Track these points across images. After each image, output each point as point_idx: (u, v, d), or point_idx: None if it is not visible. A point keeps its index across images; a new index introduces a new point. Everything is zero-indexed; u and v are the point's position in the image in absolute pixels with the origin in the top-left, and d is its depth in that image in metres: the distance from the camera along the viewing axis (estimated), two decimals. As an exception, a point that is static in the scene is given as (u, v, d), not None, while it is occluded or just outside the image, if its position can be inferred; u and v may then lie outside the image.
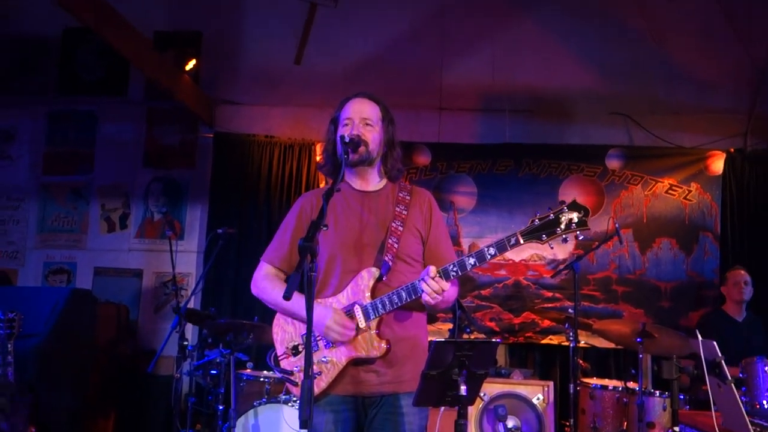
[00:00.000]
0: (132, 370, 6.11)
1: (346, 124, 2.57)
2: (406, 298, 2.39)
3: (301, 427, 1.95)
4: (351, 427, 2.48)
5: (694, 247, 5.84)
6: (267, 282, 2.65)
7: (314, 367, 2.46)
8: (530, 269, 5.87)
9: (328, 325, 2.41)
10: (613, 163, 6.01)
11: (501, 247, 2.35)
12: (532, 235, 2.34)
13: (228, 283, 6.08)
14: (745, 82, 6.10)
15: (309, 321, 1.98)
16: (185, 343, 4.28)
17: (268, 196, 6.25)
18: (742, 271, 5.04)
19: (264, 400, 4.30)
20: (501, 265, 5.85)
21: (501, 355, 5.81)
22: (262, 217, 6.23)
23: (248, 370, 4.77)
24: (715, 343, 2.47)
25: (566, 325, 4.86)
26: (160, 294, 6.39)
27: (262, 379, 4.62)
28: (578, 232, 2.32)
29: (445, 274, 2.33)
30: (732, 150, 6.00)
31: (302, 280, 2.02)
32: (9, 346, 3.84)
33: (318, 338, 2.48)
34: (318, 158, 6.12)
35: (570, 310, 5.01)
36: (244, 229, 6.04)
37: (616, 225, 4.54)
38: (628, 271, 5.85)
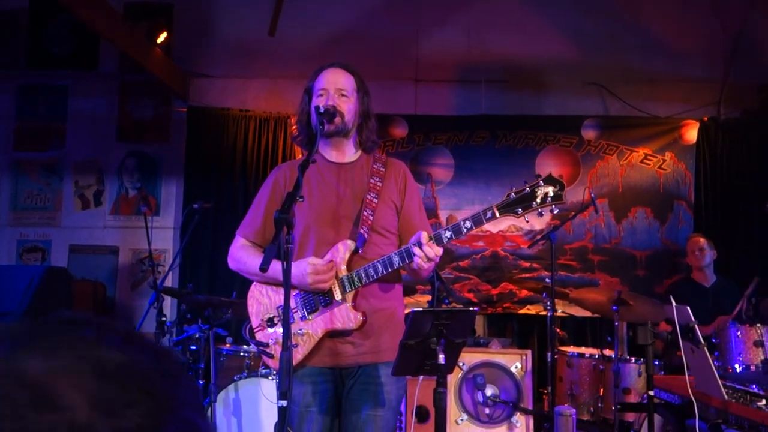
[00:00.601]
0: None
1: (321, 95, 2.54)
2: (383, 271, 2.39)
3: (280, 398, 1.95)
4: (329, 397, 2.49)
5: (668, 215, 5.91)
6: (243, 252, 2.64)
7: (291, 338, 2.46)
8: (508, 240, 5.90)
9: (311, 281, 2.39)
10: (588, 134, 6.03)
11: (477, 220, 2.36)
12: (508, 208, 2.34)
13: (205, 258, 6.05)
14: (718, 52, 6.13)
15: (287, 293, 1.98)
16: (164, 319, 4.25)
17: (244, 170, 6.20)
18: (698, 238, 5.12)
19: (244, 374, 4.30)
20: (479, 237, 5.87)
21: (479, 326, 5.86)
22: (238, 191, 6.19)
23: (228, 345, 4.77)
24: (688, 308, 2.51)
25: (543, 294, 4.91)
26: (137, 271, 6.34)
27: (241, 354, 4.62)
28: (553, 206, 2.33)
29: (438, 240, 2.33)
30: (705, 119, 6.05)
31: (279, 251, 2.01)
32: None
33: (294, 310, 2.47)
34: (293, 129, 6.08)
35: (547, 280, 5.05)
36: (220, 204, 5.99)
37: (592, 195, 4.57)
38: (604, 240, 5.91)
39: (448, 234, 2.36)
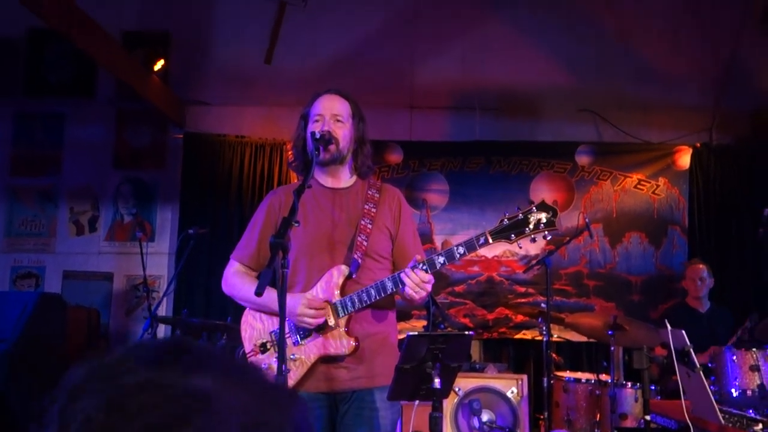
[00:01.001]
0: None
1: (317, 121, 2.56)
2: (375, 296, 2.40)
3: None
4: (323, 422, 2.48)
5: (662, 240, 5.94)
6: (237, 278, 2.65)
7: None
8: (503, 265, 5.91)
9: (300, 312, 2.40)
10: (582, 159, 6.08)
11: (470, 246, 2.38)
12: (501, 234, 2.36)
13: (200, 284, 6.04)
14: (710, 78, 6.21)
15: (282, 318, 1.98)
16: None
17: (240, 196, 6.22)
18: (700, 266, 5.10)
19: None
20: (474, 262, 5.88)
21: (475, 351, 5.84)
22: (234, 217, 6.19)
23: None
24: (683, 332, 2.52)
25: (539, 319, 4.91)
26: (132, 297, 6.32)
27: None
28: (546, 232, 2.35)
29: (431, 265, 2.34)
30: (698, 145, 6.11)
31: (274, 276, 2.02)
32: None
33: (287, 336, 2.47)
34: (288, 154, 6.10)
35: (543, 305, 5.06)
36: (215, 230, 5.99)
37: (587, 220, 4.60)
38: (598, 265, 5.92)
39: (441, 259, 2.37)
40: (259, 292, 1.95)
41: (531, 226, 2.35)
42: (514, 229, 2.35)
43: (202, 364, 0.66)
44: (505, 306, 5.83)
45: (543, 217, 2.35)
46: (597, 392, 4.55)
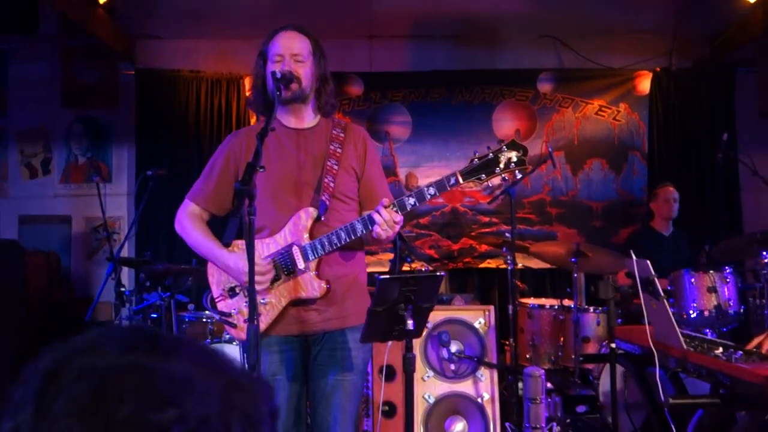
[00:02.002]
0: (67, 317, 5.97)
1: (277, 61, 2.46)
2: (346, 239, 2.37)
3: (249, 371, 1.93)
4: (296, 365, 2.50)
5: (623, 166, 6.00)
6: (188, 221, 2.61)
7: (253, 308, 2.44)
8: (467, 196, 5.93)
9: (246, 275, 2.37)
10: (544, 87, 6.04)
11: (440, 186, 2.35)
12: (472, 174, 2.34)
13: (162, 224, 5.92)
14: (670, 2, 6.16)
15: (251, 265, 1.95)
16: (122, 289, 4.18)
17: (198, 133, 6.06)
18: (671, 188, 5.18)
19: (208, 341, 4.28)
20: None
21: (441, 282, 5.91)
22: (193, 154, 6.05)
23: (189, 312, 4.73)
24: (648, 262, 2.56)
25: (504, 249, 4.97)
26: (92, 240, 6.20)
27: (204, 320, 4.59)
28: (517, 171, 2.33)
29: (401, 207, 2.31)
30: (658, 69, 6.11)
31: (240, 223, 1.98)
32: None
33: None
34: (247, 93, 5.96)
35: (507, 235, 5.11)
36: (174, 169, 5.83)
37: (550, 149, 4.60)
38: (561, 192, 5.98)
39: (411, 201, 2.34)
40: (227, 243, 1.91)
41: (501, 166, 2.33)
42: (485, 169, 2.33)
43: (177, 350, 0.67)
44: (469, 236, 5.88)
45: (513, 155, 2.33)
46: (561, 317, 4.66)
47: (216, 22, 6.08)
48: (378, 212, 2.29)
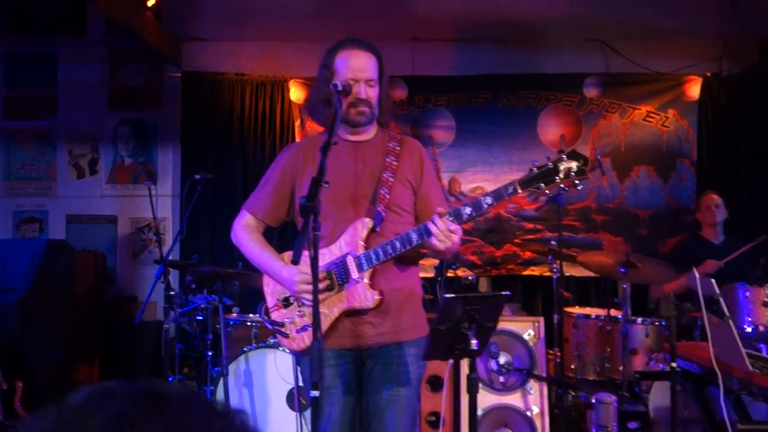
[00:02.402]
0: (112, 316, 6.07)
1: (350, 84, 2.45)
2: (400, 248, 2.34)
3: (312, 389, 1.93)
4: (350, 378, 2.48)
5: (671, 173, 5.88)
6: (245, 233, 2.61)
7: (305, 318, 2.44)
8: (511, 202, 5.86)
9: (298, 289, 2.37)
10: (590, 92, 5.95)
11: (498, 196, 2.30)
12: (531, 184, 2.28)
13: (205, 226, 5.99)
14: (720, 5, 6.03)
15: (315, 281, 1.94)
16: (171, 293, 4.22)
17: (242, 136, 6.09)
18: (713, 195, 5.07)
19: (254, 345, 4.29)
20: (481, 199, 5.83)
21: (483, 287, 5.87)
22: (236, 157, 6.09)
23: (234, 315, 4.75)
24: (713, 280, 2.49)
25: (549, 257, 4.91)
26: (137, 240, 6.28)
27: (249, 324, 4.61)
28: (577, 181, 2.28)
29: (457, 216, 2.28)
30: (708, 74, 5.97)
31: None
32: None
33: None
34: (291, 97, 5.98)
35: (553, 242, 5.05)
36: (218, 171, 5.89)
37: (597, 155, 4.53)
38: (607, 200, 5.88)
39: (467, 210, 2.30)
40: (295, 260, 1.89)
41: (561, 175, 2.27)
42: (544, 179, 2.28)
43: (181, 425, 0.58)
44: (512, 243, 5.82)
45: (574, 165, 2.27)
46: (608, 328, 4.59)
47: (260, 23, 6.12)
48: (433, 222, 2.26)
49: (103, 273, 6.12)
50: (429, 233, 2.28)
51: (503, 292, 2.21)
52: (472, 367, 2.01)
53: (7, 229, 6.24)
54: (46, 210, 6.31)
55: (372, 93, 2.45)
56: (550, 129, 5.92)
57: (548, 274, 5.55)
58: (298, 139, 6.01)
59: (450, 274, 4.87)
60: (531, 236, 5.84)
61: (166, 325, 4.19)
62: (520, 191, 2.32)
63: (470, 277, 5.00)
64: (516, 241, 5.81)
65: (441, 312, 2.00)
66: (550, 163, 2.32)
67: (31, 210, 6.31)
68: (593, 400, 4.67)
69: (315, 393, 1.93)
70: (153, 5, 5.72)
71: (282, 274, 2.46)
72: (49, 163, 6.31)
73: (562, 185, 2.31)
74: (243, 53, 6.25)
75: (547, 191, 2.27)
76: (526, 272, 5.88)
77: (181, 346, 4.65)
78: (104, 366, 5.86)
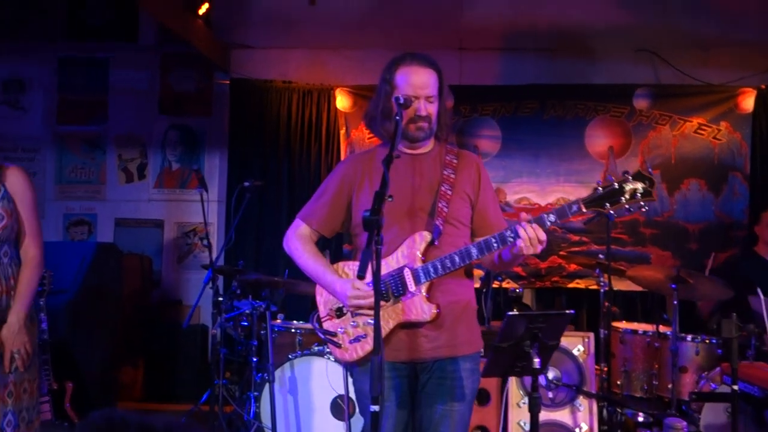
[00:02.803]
0: (157, 320, 6.15)
1: (411, 99, 2.44)
2: (460, 263, 2.33)
3: (372, 403, 1.92)
4: (403, 392, 2.46)
5: (723, 187, 5.75)
6: (299, 242, 2.60)
7: (359, 329, 2.44)
8: (559, 213, 5.78)
9: (350, 297, 2.38)
10: (640, 103, 5.86)
11: (561, 214, 2.27)
12: (595, 203, 2.24)
13: (250, 232, 6.04)
14: (775, 15, 5.89)
15: (377, 297, 1.93)
16: (220, 299, 4.25)
17: (288, 143, 6.14)
18: None
19: (299, 353, 4.30)
20: (527, 210, 5.78)
21: (528, 299, 5.81)
22: (283, 164, 6.14)
23: (279, 321, 4.77)
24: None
25: (596, 270, 4.84)
26: (183, 244, 6.37)
27: (293, 330, 4.62)
28: (642, 203, 2.23)
29: (540, 223, 2.25)
30: (763, 87, 5.83)
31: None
32: (41, 302, 3.82)
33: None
34: (338, 105, 6.00)
35: (600, 256, 4.99)
36: (264, 178, 5.95)
37: (649, 169, 4.44)
38: (655, 213, 5.78)
39: (552, 217, 2.28)
40: (361, 275, 1.89)
41: (627, 196, 2.23)
42: (609, 199, 2.24)
43: None
44: (558, 255, 5.75)
45: (639, 187, 2.23)
46: (656, 344, 4.49)
47: (307, 32, 6.16)
48: (522, 226, 2.24)
49: (149, 276, 6.21)
50: (504, 241, 2.26)
51: (567, 311, 2.18)
52: (534, 387, 1.98)
53: (58, 231, 6.38)
54: (95, 213, 6.43)
55: (432, 109, 2.45)
56: (598, 140, 5.84)
57: (594, 287, 5.48)
58: (343, 147, 6.03)
59: (495, 285, 4.83)
60: (577, 248, 5.77)
61: (213, 330, 4.21)
62: (584, 210, 2.29)
63: (518, 290, 4.94)
64: (561, 253, 5.74)
65: (503, 329, 1.98)
66: (615, 184, 2.28)
67: (81, 213, 6.44)
68: (640, 419, 4.62)
69: (375, 408, 1.91)
70: (203, 13, 5.80)
71: (335, 288, 2.46)
72: (98, 167, 6.44)
73: (627, 206, 2.27)
74: (290, 61, 6.30)
75: (612, 211, 2.23)
76: (571, 285, 5.81)
77: (225, 351, 4.68)
78: (148, 369, 5.94)
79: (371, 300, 2.34)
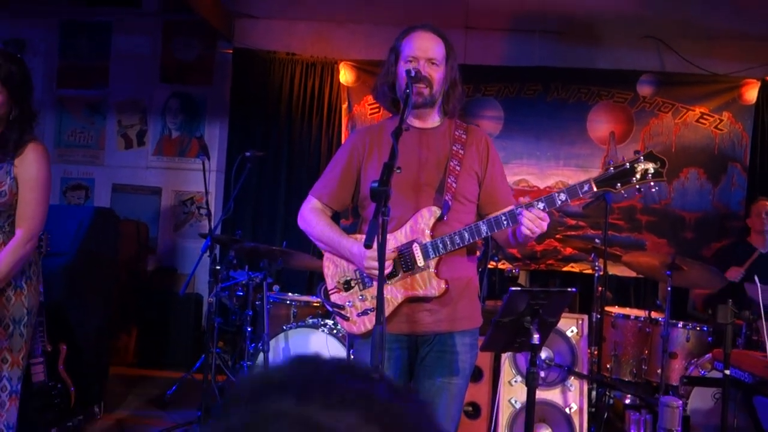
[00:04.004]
0: (152, 287, 6.16)
1: (410, 61, 2.44)
2: (469, 239, 2.35)
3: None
4: (402, 364, 2.48)
5: (721, 177, 5.77)
6: (313, 215, 2.59)
7: (367, 303, 2.45)
8: (555, 196, 5.80)
9: (367, 264, 2.36)
10: (644, 90, 5.85)
11: (572, 193, 2.28)
12: (607, 183, 2.26)
13: (249, 203, 6.04)
14: (783, 7, 5.87)
15: (381, 266, 1.94)
16: (217, 268, 4.26)
17: (290, 115, 6.12)
18: (765, 201, 4.99)
19: (293, 324, 4.32)
20: (525, 192, 5.79)
21: (522, 280, 5.84)
22: (283, 136, 6.12)
23: (274, 293, 4.79)
24: (776, 289, 2.45)
25: (592, 255, 4.86)
26: (180, 212, 6.35)
27: (288, 302, 4.65)
28: (653, 183, 2.25)
29: (550, 202, 2.26)
30: (767, 78, 5.83)
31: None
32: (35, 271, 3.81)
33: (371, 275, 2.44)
34: (341, 79, 5.98)
35: (597, 240, 5.00)
36: (263, 149, 5.93)
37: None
38: (653, 200, 5.80)
39: (540, 205, 2.29)
40: (368, 244, 1.90)
41: (638, 176, 2.25)
42: (621, 179, 2.26)
43: (346, 400, 0.63)
44: (554, 238, 5.77)
45: (651, 167, 2.25)
46: (647, 330, 4.54)
47: (313, 4, 6.11)
48: (525, 208, 2.26)
49: (145, 243, 6.21)
50: (514, 220, 2.27)
51: (569, 289, 2.20)
52: (533, 361, 2.00)
53: (55, 195, 6.35)
54: (92, 178, 6.41)
55: (433, 73, 2.42)
56: (600, 125, 5.84)
57: (588, 271, 5.51)
58: (344, 122, 6.01)
59: (491, 265, 4.86)
60: (573, 232, 5.79)
61: (210, 299, 4.23)
62: (596, 189, 2.31)
63: (514, 270, 4.96)
64: (557, 236, 5.76)
65: (505, 304, 1.99)
66: (627, 164, 2.30)
67: (78, 177, 6.41)
68: (627, 401, 4.67)
69: (374, 377, 1.93)
70: (209, -20, 5.74)
71: (353, 250, 2.43)
72: (98, 132, 6.40)
73: (638, 186, 2.30)
74: (295, 33, 6.25)
75: (623, 192, 2.25)
76: (565, 268, 5.84)
77: (220, 320, 4.70)
78: (141, 335, 5.96)
79: (388, 264, 2.35)
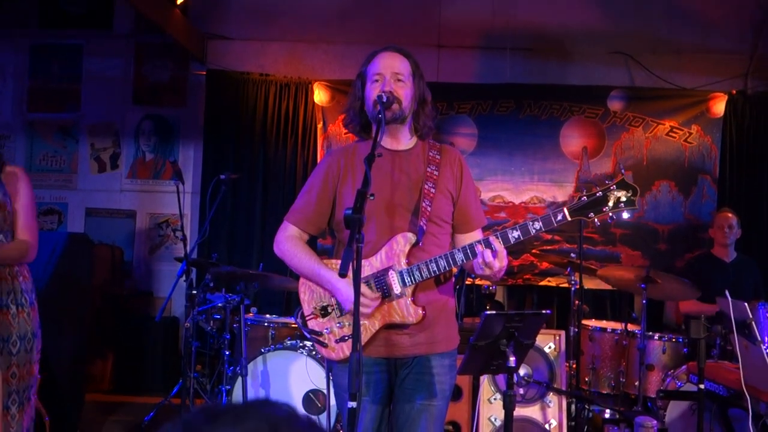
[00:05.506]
0: (128, 311, 6.09)
1: (377, 80, 2.44)
2: (445, 267, 2.34)
3: (350, 399, 1.94)
4: (382, 387, 2.47)
5: (692, 189, 5.87)
6: (289, 243, 2.56)
7: (345, 329, 2.44)
8: (530, 212, 5.86)
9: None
10: (614, 105, 5.94)
11: (547, 222, 2.30)
12: (579, 212, 2.30)
13: (224, 225, 6.00)
14: (747, 23, 6.01)
15: (356, 291, 1.94)
16: (194, 292, 4.23)
17: (264, 136, 6.11)
18: (728, 214, 4.99)
19: (272, 347, 4.30)
20: (501, 208, 5.83)
21: (500, 296, 5.87)
22: (258, 157, 6.11)
23: (251, 315, 4.76)
24: (746, 304, 2.49)
25: (568, 269, 4.90)
26: (154, 235, 6.30)
27: (266, 324, 4.62)
28: (626, 211, 2.29)
29: (504, 239, 2.27)
30: (734, 92, 5.96)
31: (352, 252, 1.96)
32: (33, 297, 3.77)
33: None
34: (315, 99, 5.99)
35: (573, 255, 5.06)
36: (239, 170, 5.91)
37: (622, 170, 4.50)
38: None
39: (515, 234, 2.30)
40: (343, 273, 1.89)
41: (610, 204, 2.29)
42: (593, 207, 2.29)
43: None
44: (530, 253, 5.81)
45: (623, 195, 2.29)
46: (624, 342, 4.59)
47: (286, 25, 6.14)
48: (482, 245, 2.26)
49: (120, 267, 6.14)
50: (475, 254, 2.28)
51: (543, 311, 2.22)
52: (510, 384, 2.01)
53: (27, 220, 6.25)
54: (65, 202, 6.34)
55: (400, 89, 2.42)
56: (573, 140, 5.92)
57: (565, 285, 5.56)
58: (319, 141, 6.02)
59: (468, 282, 4.88)
60: (549, 247, 5.84)
61: (187, 323, 4.19)
62: (569, 218, 2.34)
63: (491, 287, 4.99)
64: (534, 251, 5.80)
65: (480, 328, 2.00)
66: (599, 192, 2.34)
67: (51, 202, 6.34)
68: (606, 415, 4.70)
69: (352, 404, 1.93)
70: (181, 2, 5.74)
71: (338, 289, 2.40)
72: (70, 155, 6.34)
73: (610, 214, 2.33)
74: (268, 53, 6.26)
75: (596, 220, 2.29)
76: (542, 283, 5.88)
77: (198, 344, 4.65)
78: (117, 361, 5.88)
79: (375, 305, 2.35)
